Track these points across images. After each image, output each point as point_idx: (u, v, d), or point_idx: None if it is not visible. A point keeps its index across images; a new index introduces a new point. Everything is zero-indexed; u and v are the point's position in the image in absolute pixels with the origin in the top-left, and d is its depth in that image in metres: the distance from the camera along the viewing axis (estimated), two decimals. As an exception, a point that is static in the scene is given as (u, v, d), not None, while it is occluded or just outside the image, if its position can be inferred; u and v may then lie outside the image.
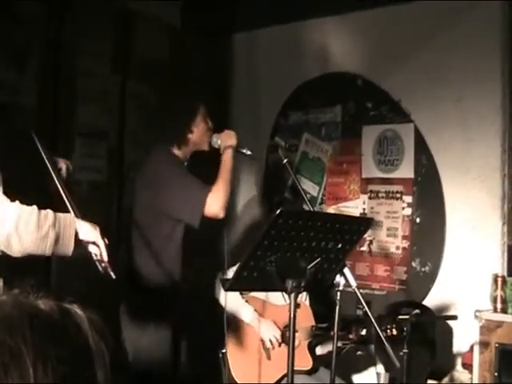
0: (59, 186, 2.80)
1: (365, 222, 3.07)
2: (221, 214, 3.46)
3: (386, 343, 2.80)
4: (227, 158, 3.60)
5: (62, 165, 3.15)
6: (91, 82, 4.61)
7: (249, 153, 3.69)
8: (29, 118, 4.28)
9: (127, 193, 3.97)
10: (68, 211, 2.63)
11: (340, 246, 2.80)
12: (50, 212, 2.36)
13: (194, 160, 3.79)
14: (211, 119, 3.78)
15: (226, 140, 3.66)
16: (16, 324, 0.83)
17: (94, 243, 2.51)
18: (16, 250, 2.26)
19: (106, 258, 2.54)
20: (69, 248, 2.41)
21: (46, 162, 2.87)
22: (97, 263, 2.53)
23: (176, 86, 4.40)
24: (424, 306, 4.16)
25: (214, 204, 3.44)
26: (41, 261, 4.17)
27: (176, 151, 3.72)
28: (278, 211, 2.57)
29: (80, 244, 2.46)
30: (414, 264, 4.53)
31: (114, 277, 2.53)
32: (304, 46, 5.24)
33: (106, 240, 2.54)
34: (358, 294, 2.93)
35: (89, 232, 2.51)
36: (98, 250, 2.53)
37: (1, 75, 4.09)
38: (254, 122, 5.49)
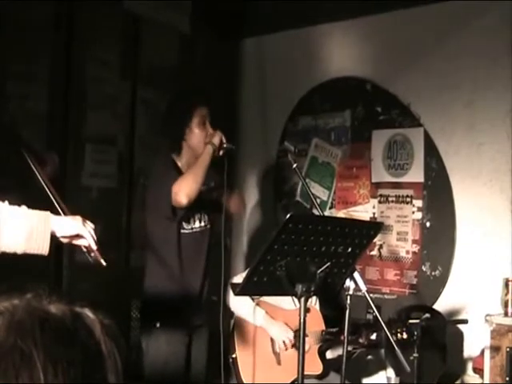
0: (42, 182, 2.77)
1: (374, 226, 3.08)
2: (183, 202, 3.44)
3: (396, 347, 2.80)
4: (204, 153, 3.58)
5: (49, 160, 3.12)
6: (101, 89, 4.64)
7: (230, 146, 3.65)
8: (39, 125, 4.30)
9: (137, 198, 3.98)
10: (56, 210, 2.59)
11: (350, 250, 2.80)
12: (23, 207, 2.32)
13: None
14: (213, 123, 3.76)
15: (204, 137, 3.65)
16: (27, 327, 0.83)
17: (77, 236, 2.47)
18: None
19: (94, 247, 2.51)
20: (43, 245, 2.31)
21: (27, 157, 2.83)
22: (86, 255, 2.50)
23: (185, 91, 4.42)
24: (434, 310, 4.16)
25: (178, 192, 3.44)
26: (52, 265, 4.20)
27: (176, 157, 3.74)
28: (288, 216, 2.58)
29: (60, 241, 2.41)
30: (424, 268, 4.52)
31: (104, 264, 2.50)
32: (313, 51, 5.24)
33: (91, 224, 2.50)
34: (368, 299, 2.93)
35: (69, 227, 2.44)
36: (85, 240, 2.49)
37: (12, 83, 4.11)
38: (264, 127, 5.51)
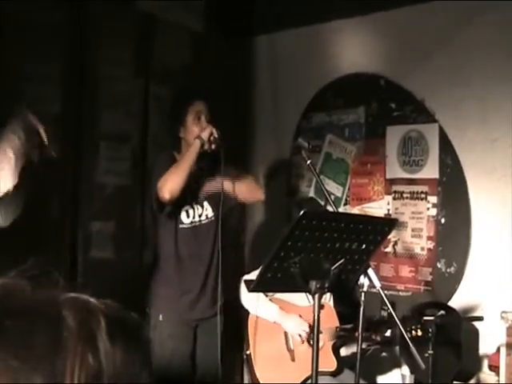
0: None
1: (389, 223, 3.07)
2: (166, 197, 3.48)
3: (410, 344, 2.79)
4: (191, 148, 3.60)
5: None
6: (114, 87, 4.64)
7: (219, 140, 3.64)
8: (54, 124, 4.32)
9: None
10: None
11: (364, 246, 2.80)
12: None
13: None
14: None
15: (199, 133, 3.66)
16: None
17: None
18: None
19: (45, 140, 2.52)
20: None
21: None
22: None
23: (180, 89, 4.42)
24: (449, 307, 4.13)
25: (161, 187, 3.49)
26: (67, 263, 4.22)
27: (177, 154, 3.75)
28: (301, 212, 2.57)
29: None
30: (439, 265, 4.49)
31: (54, 155, 2.51)
32: (326, 47, 5.23)
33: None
34: (383, 295, 2.92)
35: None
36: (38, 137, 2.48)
37: (25, 82, 4.13)
38: (277, 124, 5.50)
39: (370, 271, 2.89)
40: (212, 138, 3.61)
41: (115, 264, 4.55)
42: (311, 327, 3.09)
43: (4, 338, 0.79)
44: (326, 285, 2.69)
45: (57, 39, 4.32)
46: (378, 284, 2.89)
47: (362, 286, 2.87)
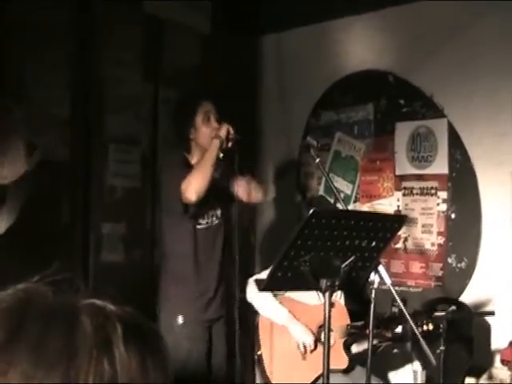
0: None
1: (398, 220, 3.08)
2: (192, 198, 3.49)
3: (421, 340, 2.80)
4: (211, 148, 3.60)
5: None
6: (123, 90, 4.66)
7: (237, 136, 3.67)
8: (63, 128, 4.35)
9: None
10: None
11: (374, 243, 2.81)
12: None
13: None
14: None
15: (210, 133, 3.69)
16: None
17: None
18: None
19: None
20: None
21: None
22: None
23: (187, 91, 4.44)
24: (460, 303, 4.13)
25: (186, 188, 3.49)
26: (79, 266, 4.25)
27: (188, 156, 3.77)
28: (311, 211, 2.58)
29: None
30: (449, 260, 4.49)
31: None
32: (333, 45, 5.23)
33: None
34: (393, 292, 2.93)
35: None
36: None
37: (33, 86, 4.16)
38: (286, 123, 5.51)
39: (381, 268, 2.90)
40: (230, 135, 3.64)
41: (126, 266, 4.57)
42: (322, 326, 3.10)
43: (21, 343, 0.80)
44: (337, 283, 2.69)
45: (65, 42, 4.34)
46: (388, 281, 2.90)
47: (373, 283, 2.88)
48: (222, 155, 3.65)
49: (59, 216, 4.31)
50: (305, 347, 3.80)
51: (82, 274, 4.20)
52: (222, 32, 5.24)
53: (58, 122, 4.33)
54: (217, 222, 3.82)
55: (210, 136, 3.68)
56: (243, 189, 3.87)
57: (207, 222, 3.78)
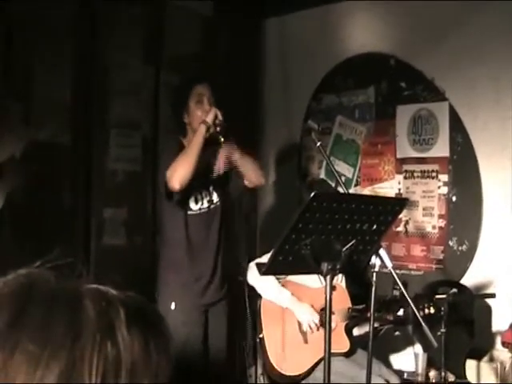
0: None
1: (399, 203, 3.07)
2: (176, 186, 3.47)
3: (422, 323, 2.81)
4: (196, 134, 3.57)
5: None
6: (124, 74, 4.66)
7: (222, 122, 3.58)
8: (65, 112, 4.35)
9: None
10: None
11: (375, 227, 2.81)
12: None
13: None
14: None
15: (203, 116, 3.63)
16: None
17: None
18: None
19: None
20: None
21: None
22: None
23: (207, 73, 4.43)
24: (461, 285, 4.15)
25: (170, 177, 3.47)
26: (80, 250, 4.26)
27: (183, 140, 3.74)
28: (312, 194, 2.58)
29: None
30: (450, 243, 4.50)
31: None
32: (335, 28, 5.21)
33: None
34: (394, 275, 2.94)
35: None
36: None
37: (36, 72, 4.16)
38: (287, 106, 5.50)
39: (382, 251, 2.90)
40: (217, 120, 3.59)
41: (128, 250, 4.59)
42: (323, 309, 3.11)
43: (25, 326, 0.81)
44: (338, 266, 2.70)
45: (67, 27, 4.34)
46: (389, 264, 2.90)
47: (374, 266, 2.88)
48: (222, 139, 3.62)
49: (61, 200, 4.32)
50: (311, 327, 3.81)
51: (84, 258, 4.21)
52: (224, 15, 5.22)
53: (60, 107, 4.34)
54: (213, 206, 3.79)
55: (202, 119, 3.62)
56: (245, 173, 3.80)
57: (200, 208, 3.75)
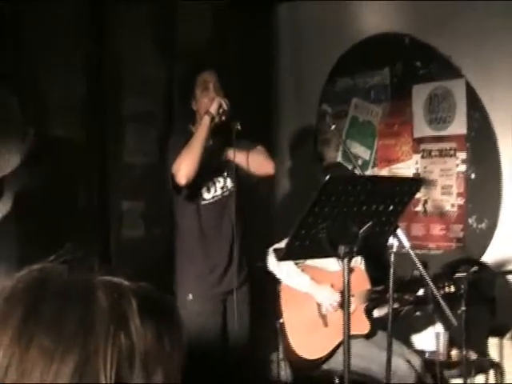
0: None
1: (415, 183, 3.07)
2: (182, 181, 3.45)
3: (442, 302, 2.81)
4: (201, 125, 3.54)
5: None
6: (138, 68, 4.67)
7: (228, 109, 3.55)
8: (79, 109, 4.38)
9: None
10: None
11: (391, 208, 2.81)
12: None
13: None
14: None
15: (209, 103, 3.59)
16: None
17: None
18: None
19: None
20: None
21: None
22: None
23: (221, 60, 4.41)
24: (482, 263, 4.12)
25: (176, 172, 3.45)
26: (100, 242, 4.31)
27: (192, 128, 3.71)
28: (327, 178, 2.59)
29: None
30: (470, 221, 4.47)
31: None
32: (347, 10, 5.18)
33: None
34: (412, 255, 2.93)
35: None
36: None
37: (50, 68, 4.18)
38: (302, 90, 5.48)
39: (399, 232, 2.90)
40: (221, 109, 3.55)
41: (147, 242, 4.62)
42: (342, 292, 3.12)
43: (40, 321, 0.83)
44: (355, 249, 2.70)
45: (79, 23, 4.36)
46: (407, 244, 2.90)
47: (392, 247, 2.88)
48: (239, 127, 3.59)
49: (79, 196, 4.35)
50: (333, 307, 3.81)
51: (102, 251, 4.26)
52: (236, 3, 5.19)
53: (75, 103, 4.37)
54: (227, 192, 3.75)
55: (208, 107, 3.58)
56: (253, 162, 3.74)
57: (213, 196, 3.71)
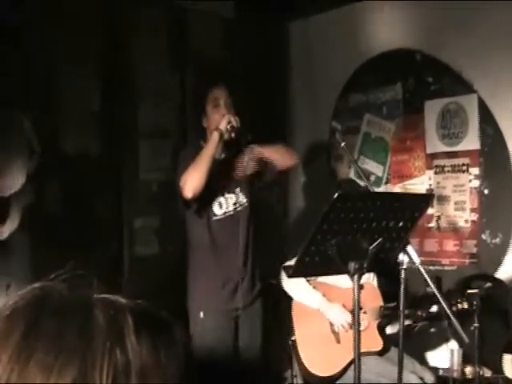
0: None
1: (425, 198, 3.07)
2: (189, 196, 3.45)
3: (452, 318, 2.79)
4: (210, 141, 3.54)
5: None
6: (151, 82, 4.70)
7: (237, 126, 3.56)
8: (93, 124, 4.42)
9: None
10: None
11: (401, 224, 2.80)
12: None
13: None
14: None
15: (220, 120, 3.59)
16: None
17: None
18: None
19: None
20: None
21: None
22: None
23: (200, 76, 4.43)
24: (496, 279, 4.10)
25: (183, 186, 3.45)
26: (113, 258, 4.32)
27: (203, 143, 3.69)
28: (335, 194, 2.59)
29: None
30: (484, 236, 4.45)
31: None
32: (359, 27, 5.20)
33: None
34: (422, 271, 2.91)
35: None
36: None
37: (63, 82, 4.22)
38: (315, 107, 5.50)
39: (409, 248, 2.89)
40: (229, 126, 3.56)
41: (160, 259, 4.63)
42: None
43: (39, 337, 0.85)
44: (365, 265, 2.70)
45: (92, 36, 4.39)
46: (417, 260, 2.89)
47: (402, 263, 2.87)
48: (249, 138, 3.61)
49: (93, 212, 4.38)
50: (344, 327, 3.80)
51: (115, 267, 4.28)
52: (248, 18, 5.23)
53: (89, 117, 4.40)
54: (240, 208, 3.75)
55: (219, 123, 3.58)
56: (276, 156, 3.73)
57: (225, 212, 3.70)
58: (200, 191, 3.44)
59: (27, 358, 0.83)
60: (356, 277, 2.68)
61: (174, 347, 0.93)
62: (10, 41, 3.91)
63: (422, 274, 2.95)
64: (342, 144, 3.32)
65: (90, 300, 0.90)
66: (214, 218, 3.68)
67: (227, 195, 3.72)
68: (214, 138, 3.53)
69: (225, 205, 3.71)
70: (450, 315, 2.82)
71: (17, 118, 3.22)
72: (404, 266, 2.87)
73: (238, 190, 3.76)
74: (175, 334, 0.96)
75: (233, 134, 3.57)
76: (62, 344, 0.84)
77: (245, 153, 3.69)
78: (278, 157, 3.76)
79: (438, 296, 2.89)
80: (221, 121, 3.58)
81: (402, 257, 2.87)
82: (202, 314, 3.63)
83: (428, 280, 2.91)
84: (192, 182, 3.44)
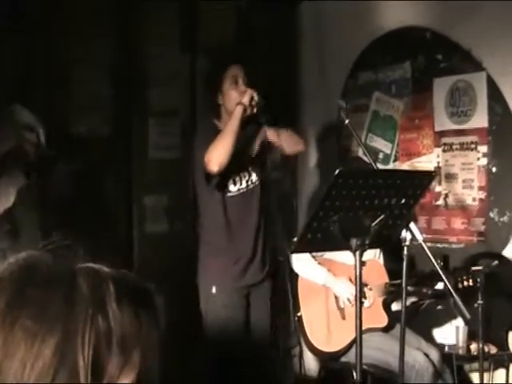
0: None
1: (427, 176, 3.07)
2: (214, 170, 3.48)
3: (454, 295, 2.81)
4: (233, 116, 3.57)
5: None
6: (161, 63, 4.73)
7: (261, 101, 3.61)
8: (104, 104, 4.46)
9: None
10: None
11: (403, 201, 2.81)
12: None
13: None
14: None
15: (238, 97, 3.63)
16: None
17: None
18: None
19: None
20: None
21: None
22: None
23: (215, 54, 4.45)
24: (502, 257, 4.10)
25: (209, 161, 3.47)
26: (123, 237, 4.37)
27: (217, 122, 3.75)
28: (336, 171, 2.61)
29: None
30: (491, 214, 4.43)
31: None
32: (369, 5, 5.17)
33: None
34: (425, 248, 2.93)
35: None
36: None
37: (74, 64, 4.26)
38: (325, 85, 5.49)
39: (412, 225, 2.90)
40: (253, 101, 3.60)
41: (170, 236, 4.67)
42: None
43: (24, 305, 0.88)
44: (367, 242, 2.72)
45: (103, 20, 4.43)
46: (419, 237, 2.91)
47: (404, 240, 2.89)
48: (264, 119, 3.65)
49: (103, 190, 4.42)
50: (349, 300, 3.81)
51: (126, 244, 4.33)
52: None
53: (99, 98, 4.44)
54: (252, 186, 3.78)
55: (237, 100, 3.62)
56: (285, 141, 3.80)
57: (239, 189, 3.74)
58: (225, 165, 3.49)
59: (12, 324, 0.86)
60: (358, 253, 2.70)
61: (154, 314, 0.96)
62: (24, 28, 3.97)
63: (435, 251, 2.96)
64: (346, 121, 3.34)
65: (74, 269, 0.93)
66: (229, 194, 3.73)
67: (241, 173, 3.76)
68: (238, 111, 3.57)
69: (239, 182, 3.75)
70: (452, 292, 2.83)
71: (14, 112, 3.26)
72: (407, 243, 2.88)
73: (250, 168, 3.80)
74: (156, 303, 0.99)
75: (254, 110, 3.61)
76: (47, 311, 0.87)
77: (259, 132, 3.73)
78: (286, 142, 3.81)
79: (440, 273, 2.91)
80: (239, 98, 3.62)
81: (404, 234, 2.89)
82: (214, 289, 3.67)
83: (431, 257, 2.92)
84: (218, 156, 3.47)
